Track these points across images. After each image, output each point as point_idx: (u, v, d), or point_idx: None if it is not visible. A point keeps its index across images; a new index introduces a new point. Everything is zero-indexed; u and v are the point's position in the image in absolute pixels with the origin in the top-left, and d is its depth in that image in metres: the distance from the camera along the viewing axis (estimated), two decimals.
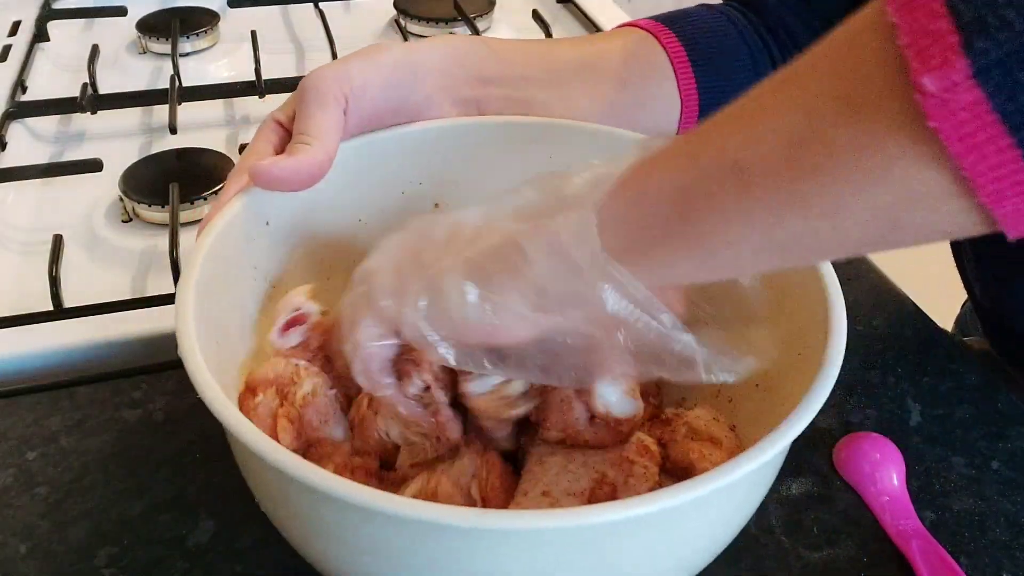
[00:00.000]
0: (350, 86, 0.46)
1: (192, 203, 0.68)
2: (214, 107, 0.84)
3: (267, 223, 0.46)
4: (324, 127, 0.45)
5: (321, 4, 1.00)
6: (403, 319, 0.37)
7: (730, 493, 0.35)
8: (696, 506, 0.32)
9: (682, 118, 0.58)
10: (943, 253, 0.73)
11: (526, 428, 0.43)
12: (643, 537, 0.33)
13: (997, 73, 0.23)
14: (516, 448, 0.43)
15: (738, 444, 0.41)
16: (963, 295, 0.78)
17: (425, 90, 0.50)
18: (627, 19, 0.98)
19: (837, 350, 0.37)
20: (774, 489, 0.49)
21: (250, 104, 0.84)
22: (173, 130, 0.74)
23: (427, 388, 0.40)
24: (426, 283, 0.37)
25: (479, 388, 0.40)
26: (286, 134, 0.47)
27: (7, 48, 0.89)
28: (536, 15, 0.97)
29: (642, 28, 0.58)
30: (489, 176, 0.53)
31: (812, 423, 0.34)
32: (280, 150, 0.46)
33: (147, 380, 0.54)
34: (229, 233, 0.43)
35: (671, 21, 0.59)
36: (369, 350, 0.39)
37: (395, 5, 1.00)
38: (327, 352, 0.44)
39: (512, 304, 0.35)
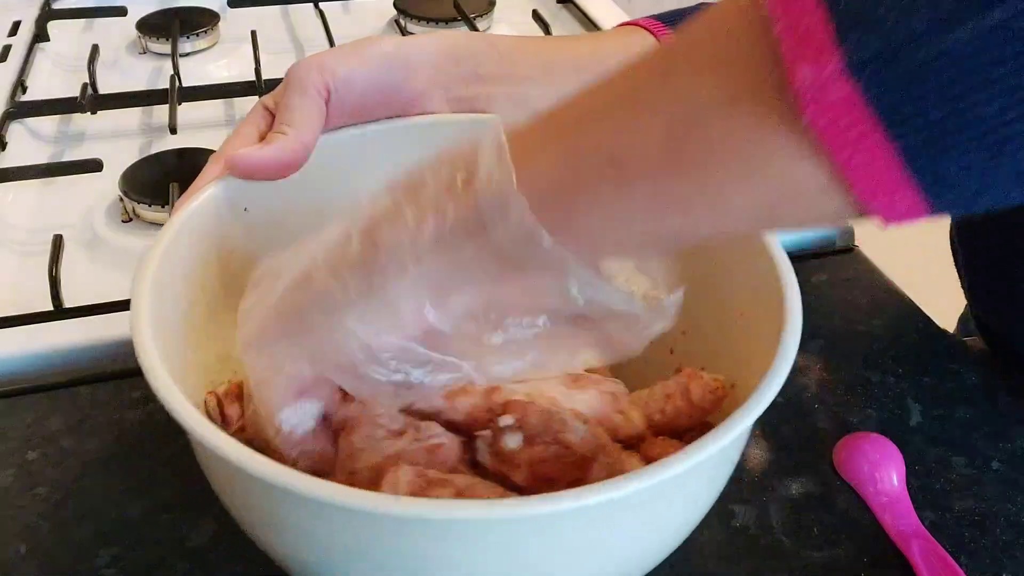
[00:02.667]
0: (333, 76, 0.46)
1: None
2: (214, 107, 0.84)
3: (245, 209, 0.46)
4: (302, 117, 0.45)
5: (321, 4, 1.00)
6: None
7: (679, 483, 0.34)
8: (633, 502, 0.32)
9: None
10: (943, 253, 0.73)
11: None
12: (575, 533, 0.33)
13: (871, 67, 0.23)
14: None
15: None
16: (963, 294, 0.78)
17: (418, 85, 0.49)
18: (627, 19, 0.98)
19: (775, 382, 0.35)
20: (774, 489, 0.49)
21: (250, 104, 0.84)
22: (173, 130, 0.74)
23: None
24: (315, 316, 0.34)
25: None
26: (273, 119, 0.47)
27: (7, 48, 0.89)
28: (536, 15, 0.97)
29: (642, 27, 0.58)
30: None
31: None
32: (265, 135, 0.46)
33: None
34: (201, 217, 0.43)
35: (671, 20, 0.59)
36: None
37: (395, 5, 1.01)
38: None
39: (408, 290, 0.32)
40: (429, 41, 0.50)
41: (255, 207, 0.47)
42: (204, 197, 0.44)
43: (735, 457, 0.38)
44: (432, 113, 0.51)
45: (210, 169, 0.45)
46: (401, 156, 0.51)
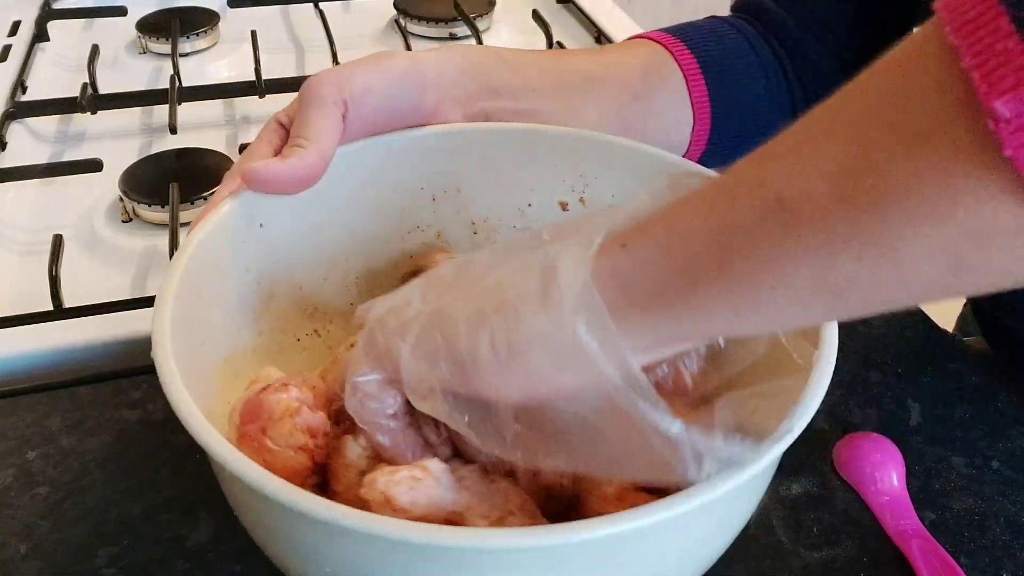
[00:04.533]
0: (350, 90, 0.46)
1: (192, 203, 0.68)
2: (214, 107, 0.84)
3: (260, 225, 0.46)
4: (320, 130, 0.45)
5: (321, 4, 1.00)
6: (393, 354, 0.35)
7: (709, 511, 0.33)
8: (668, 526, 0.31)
9: (694, 130, 0.58)
10: None
11: None
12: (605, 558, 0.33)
13: None
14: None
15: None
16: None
17: (433, 100, 0.49)
18: (627, 20, 0.98)
19: (815, 395, 0.35)
20: (774, 489, 0.49)
21: (250, 104, 0.84)
22: (173, 130, 0.74)
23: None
24: (422, 320, 0.35)
25: None
26: (288, 135, 0.47)
27: (7, 48, 0.90)
28: (536, 15, 0.97)
29: (653, 40, 0.58)
30: (491, 183, 0.52)
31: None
32: (280, 151, 0.46)
33: (147, 380, 0.54)
34: (218, 234, 0.43)
35: (683, 33, 0.59)
36: (355, 382, 0.37)
37: (395, 5, 1.00)
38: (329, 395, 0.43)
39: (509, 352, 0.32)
40: (443, 56, 0.50)
41: (271, 222, 0.46)
42: (221, 213, 0.43)
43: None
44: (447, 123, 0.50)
45: (226, 185, 0.45)
46: (413, 166, 0.51)
